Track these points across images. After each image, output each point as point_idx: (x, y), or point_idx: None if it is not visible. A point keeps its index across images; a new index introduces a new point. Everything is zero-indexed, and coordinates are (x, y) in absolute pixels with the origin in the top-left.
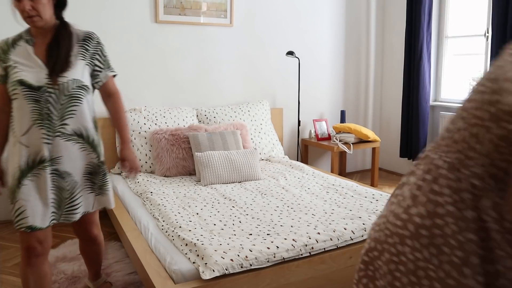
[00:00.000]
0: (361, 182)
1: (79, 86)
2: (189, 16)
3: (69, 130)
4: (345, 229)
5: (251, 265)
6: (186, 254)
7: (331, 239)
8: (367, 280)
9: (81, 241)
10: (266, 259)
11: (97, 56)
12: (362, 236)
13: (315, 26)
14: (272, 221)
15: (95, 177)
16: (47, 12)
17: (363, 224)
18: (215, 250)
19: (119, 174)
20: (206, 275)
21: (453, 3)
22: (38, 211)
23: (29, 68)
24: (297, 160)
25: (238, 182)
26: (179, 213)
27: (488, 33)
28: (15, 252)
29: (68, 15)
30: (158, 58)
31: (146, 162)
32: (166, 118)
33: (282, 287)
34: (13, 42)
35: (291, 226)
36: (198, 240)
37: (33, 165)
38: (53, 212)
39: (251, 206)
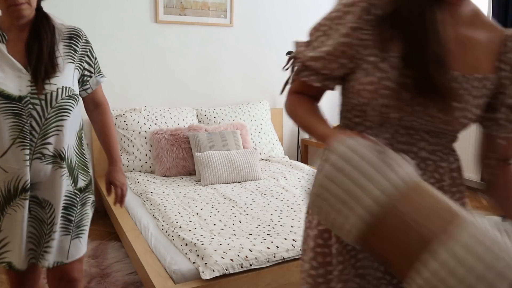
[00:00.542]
0: None
1: (69, 96)
2: (189, 16)
3: (51, 150)
4: None
5: (251, 265)
6: (186, 254)
7: None
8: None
9: (51, 279)
10: (266, 259)
11: (87, 58)
12: None
13: None
14: (272, 221)
15: (71, 212)
16: None
17: None
18: (215, 250)
19: None
20: (206, 275)
21: None
22: (16, 248)
23: (3, 73)
24: (297, 160)
25: (238, 182)
26: (179, 213)
27: None
28: None
29: (68, 15)
30: (158, 58)
31: (146, 162)
32: (166, 118)
33: (282, 287)
34: None
35: (291, 226)
36: (198, 240)
37: (15, 194)
38: (31, 250)
39: (251, 206)
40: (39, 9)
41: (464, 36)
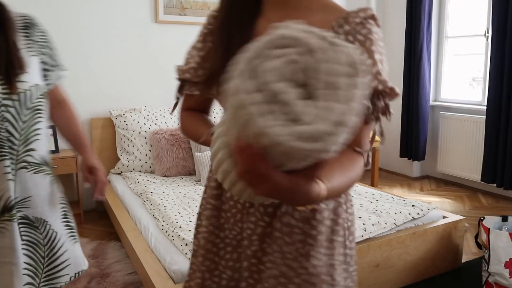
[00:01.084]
0: (361, 182)
1: (42, 95)
2: (189, 16)
3: (37, 157)
4: None
5: None
6: (186, 254)
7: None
8: None
9: None
10: None
11: (47, 49)
12: (362, 236)
13: None
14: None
15: (70, 217)
16: None
17: (363, 224)
18: None
19: (119, 174)
20: None
21: (453, 3)
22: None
23: None
24: None
25: None
26: (179, 213)
27: (488, 33)
28: None
29: (68, 15)
30: (158, 58)
31: (146, 162)
32: (166, 118)
33: None
34: None
35: None
36: None
37: None
38: (28, 284)
39: None
40: None
41: (291, 17)
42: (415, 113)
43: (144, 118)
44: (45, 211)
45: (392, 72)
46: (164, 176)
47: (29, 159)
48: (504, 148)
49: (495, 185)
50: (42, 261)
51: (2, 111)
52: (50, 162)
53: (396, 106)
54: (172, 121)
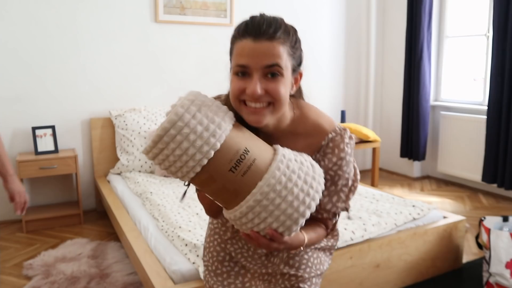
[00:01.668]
0: (361, 182)
1: None
2: (189, 15)
3: None
4: (345, 229)
5: None
6: (186, 254)
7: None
8: None
9: None
10: None
11: None
12: (363, 236)
13: (315, 26)
14: None
15: None
16: None
17: (363, 224)
18: None
19: (119, 174)
20: None
21: (453, 3)
22: None
23: None
24: None
25: None
26: (179, 213)
27: (488, 33)
28: (15, 253)
29: (68, 15)
30: (158, 58)
31: (146, 162)
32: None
33: None
34: None
35: None
36: (198, 240)
37: None
38: None
39: None
40: None
41: (284, 136)
42: (416, 113)
43: (144, 118)
44: None
45: (392, 72)
46: (164, 176)
47: None
48: (505, 148)
49: (495, 185)
50: None
51: None
52: None
53: (396, 106)
54: None
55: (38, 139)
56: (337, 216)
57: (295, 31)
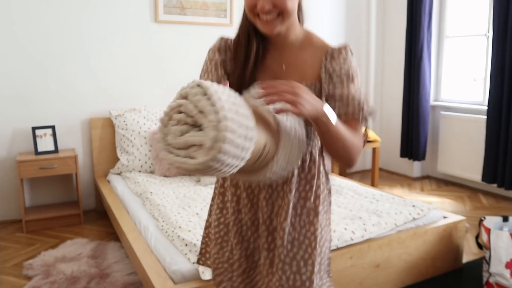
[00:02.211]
0: (361, 182)
1: None
2: (189, 15)
3: None
4: (345, 229)
5: None
6: (186, 254)
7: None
8: None
9: None
10: None
11: None
12: (363, 236)
13: (315, 26)
14: None
15: None
16: None
17: (363, 224)
18: None
19: (119, 174)
20: (206, 275)
21: (453, 3)
22: None
23: None
24: None
25: None
26: (179, 213)
27: (488, 32)
28: (15, 253)
29: (68, 15)
30: (158, 57)
31: (146, 162)
32: None
33: None
34: None
35: None
36: (198, 240)
37: None
38: None
39: None
40: None
41: (293, 57)
42: (416, 113)
43: (144, 118)
44: None
45: (392, 72)
46: (164, 176)
47: None
48: (505, 148)
49: (495, 185)
50: None
51: None
52: None
53: (396, 106)
54: None
55: (38, 139)
56: (361, 120)
57: None
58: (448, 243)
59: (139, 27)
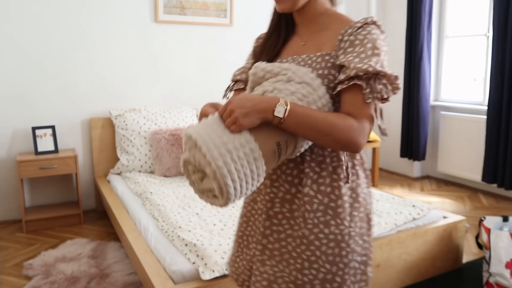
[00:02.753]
0: None
1: None
2: (189, 16)
3: None
4: None
5: None
6: (186, 254)
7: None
8: None
9: None
10: None
11: None
12: None
13: None
14: None
15: None
16: None
17: None
18: (215, 251)
19: (119, 174)
20: (206, 275)
21: (453, 3)
22: None
23: None
24: None
25: None
26: (179, 213)
27: (488, 33)
28: (15, 253)
29: (68, 15)
30: (158, 58)
31: (146, 162)
32: (166, 118)
33: None
34: None
35: None
36: (198, 240)
37: None
38: None
39: None
40: None
41: (316, 34)
42: (416, 113)
43: (144, 118)
44: None
45: (393, 72)
46: (164, 176)
47: None
48: (505, 148)
49: (495, 185)
50: None
51: None
52: None
53: (396, 106)
54: (171, 121)
55: (38, 139)
56: (369, 91)
57: None
58: (448, 243)
59: (139, 27)
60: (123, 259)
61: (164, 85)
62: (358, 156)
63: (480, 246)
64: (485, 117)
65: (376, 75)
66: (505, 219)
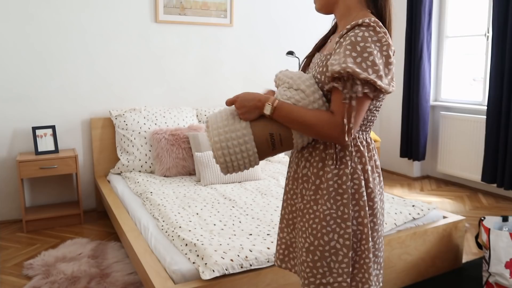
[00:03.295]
0: None
1: None
2: (189, 16)
3: None
4: None
5: (251, 265)
6: (186, 254)
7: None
8: None
9: None
10: (266, 259)
11: None
12: None
13: (315, 26)
14: (272, 221)
15: None
16: None
17: None
18: (215, 250)
19: (119, 174)
20: (206, 275)
21: (453, 3)
22: None
23: None
24: None
25: (238, 182)
26: (179, 213)
27: (488, 33)
28: (15, 253)
29: (68, 15)
30: (158, 58)
31: (146, 162)
32: (166, 118)
33: (282, 287)
34: None
35: None
36: (198, 240)
37: None
38: None
39: (251, 206)
40: None
41: (338, 32)
42: (415, 113)
43: (144, 118)
44: None
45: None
46: (164, 176)
47: None
48: (505, 148)
49: (495, 185)
50: None
51: None
52: None
53: (396, 106)
54: (171, 121)
55: (38, 139)
56: (345, 91)
57: None
58: (448, 243)
59: (139, 27)
60: (123, 259)
61: (164, 85)
62: (351, 148)
63: (479, 246)
64: (485, 117)
65: (352, 76)
66: (505, 219)
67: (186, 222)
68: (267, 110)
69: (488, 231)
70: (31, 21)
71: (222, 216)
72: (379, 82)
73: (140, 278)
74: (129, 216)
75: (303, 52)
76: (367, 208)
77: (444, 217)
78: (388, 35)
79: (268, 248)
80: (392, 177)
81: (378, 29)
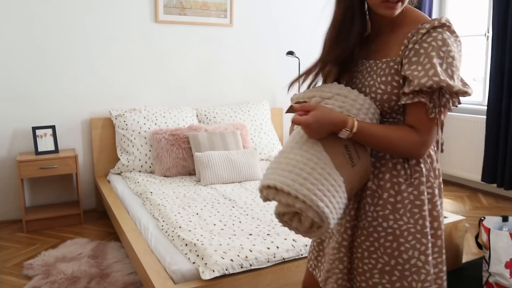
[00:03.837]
0: None
1: None
2: (189, 16)
3: None
4: None
5: (251, 265)
6: (186, 254)
7: None
8: None
9: None
10: (266, 259)
11: None
12: None
13: (315, 26)
14: (272, 221)
15: None
16: None
17: None
18: (215, 250)
19: (119, 174)
20: (206, 275)
21: (453, 3)
22: None
23: None
24: None
25: (238, 182)
26: (179, 213)
27: (488, 33)
28: (15, 252)
29: (68, 15)
30: (158, 58)
31: (146, 162)
32: (166, 118)
33: (282, 287)
34: None
35: None
36: (198, 240)
37: None
38: None
39: (251, 206)
40: None
41: (386, 36)
42: None
43: (144, 118)
44: None
45: None
46: (164, 176)
47: None
48: (505, 148)
49: (495, 185)
50: None
51: None
52: None
53: None
54: (171, 121)
55: (38, 139)
56: (434, 110)
57: None
58: (447, 243)
59: (139, 27)
60: (123, 259)
61: (164, 85)
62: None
63: (479, 246)
64: (485, 117)
65: (440, 89)
66: (505, 219)
67: (186, 222)
68: (344, 135)
69: (488, 231)
70: (32, 21)
71: (222, 216)
72: (469, 91)
73: (140, 278)
74: (129, 216)
75: (303, 52)
76: (441, 219)
77: (444, 217)
78: None
79: (268, 248)
80: None
81: (452, 28)
